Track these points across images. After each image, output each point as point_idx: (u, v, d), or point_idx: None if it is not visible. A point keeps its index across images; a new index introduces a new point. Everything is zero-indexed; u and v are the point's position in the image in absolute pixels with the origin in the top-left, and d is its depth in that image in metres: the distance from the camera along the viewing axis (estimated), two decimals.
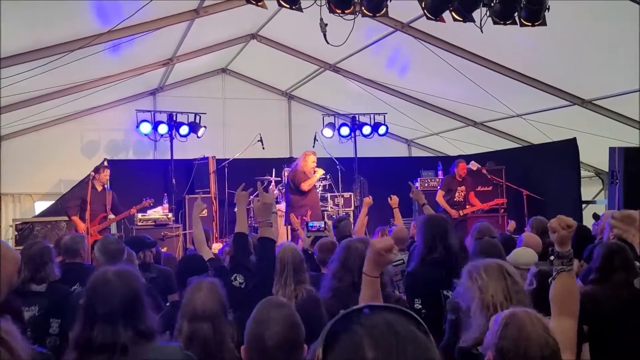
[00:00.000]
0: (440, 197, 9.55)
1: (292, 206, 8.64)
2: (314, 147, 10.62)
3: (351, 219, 8.28)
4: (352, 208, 10.32)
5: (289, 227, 8.72)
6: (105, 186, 8.82)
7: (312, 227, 5.87)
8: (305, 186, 8.68)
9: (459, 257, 3.82)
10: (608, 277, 3.53)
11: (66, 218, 9.04)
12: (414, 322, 1.03)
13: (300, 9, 5.68)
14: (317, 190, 9.13)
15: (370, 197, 6.81)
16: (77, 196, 8.71)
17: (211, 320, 2.70)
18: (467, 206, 9.57)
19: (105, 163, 9.88)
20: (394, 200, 6.30)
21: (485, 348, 2.05)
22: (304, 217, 7.82)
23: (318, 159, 10.76)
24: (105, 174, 8.65)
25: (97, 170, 8.65)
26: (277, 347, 2.02)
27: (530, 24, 5.73)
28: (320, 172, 8.92)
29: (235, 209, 4.00)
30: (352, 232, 6.13)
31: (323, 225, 5.92)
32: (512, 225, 7.74)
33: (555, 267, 2.37)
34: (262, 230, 3.31)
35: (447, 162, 10.30)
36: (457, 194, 9.53)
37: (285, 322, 2.07)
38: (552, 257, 2.43)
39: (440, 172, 11.25)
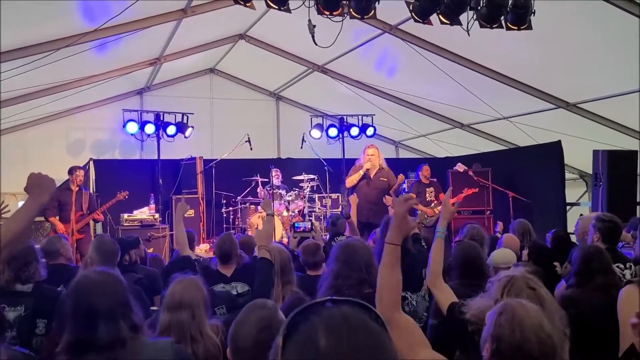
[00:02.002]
0: None
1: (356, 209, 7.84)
2: (301, 148, 10.64)
3: None
4: (340, 209, 10.34)
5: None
6: (82, 187, 8.68)
7: (297, 227, 5.87)
8: (347, 182, 8.35)
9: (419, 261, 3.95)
10: (587, 280, 3.58)
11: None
12: (371, 315, 1.09)
13: (288, 10, 5.70)
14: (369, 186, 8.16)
15: (355, 195, 6.81)
16: (54, 198, 8.59)
17: (190, 309, 2.77)
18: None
19: (92, 163, 9.84)
20: (388, 200, 6.34)
21: (483, 341, 2.06)
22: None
23: (305, 160, 10.84)
24: (77, 175, 8.41)
25: (70, 172, 8.51)
26: (247, 348, 2.04)
27: (516, 27, 5.80)
28: (367, 165, 8.13)
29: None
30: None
31: (309, 226, 5.91)
32: (500, 226, 7.85)
33: None
34: (262, 253, 3.51)
35: (434, 164, 10.38)
36: (427, 195, 9.78)
37: (258, 324, 2.09)
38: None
39: None
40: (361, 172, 8.13)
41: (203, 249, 9.04)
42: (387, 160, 12.87)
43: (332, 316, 1.05)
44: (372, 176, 8.20)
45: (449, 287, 3.19)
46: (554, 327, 2.01)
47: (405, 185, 11.00)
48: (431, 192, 9.84)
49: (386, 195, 6.31)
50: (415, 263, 4.25)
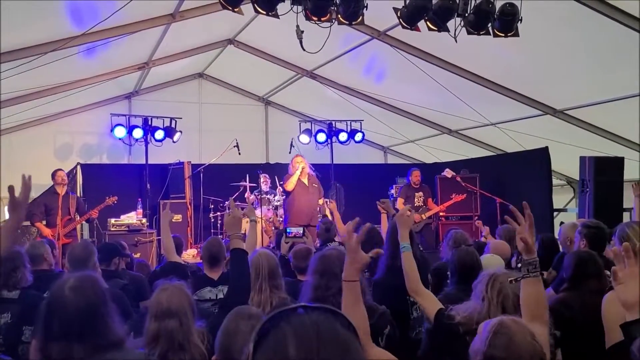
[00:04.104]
0: (400, 204, 9.83)
1: (289, 213, 8.76)
2: (290, 153, 10.63)
3: None
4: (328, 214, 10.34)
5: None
6: (69, 190, 8.61)
7: (290, 233, 5.85)
8: (287, 186, 8.78)
9: (421, 264, 3.90)
10: (580, 284, 3.61)
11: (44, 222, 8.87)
12: (342, 322, 1.09)
13: (276, 16, 5.69)
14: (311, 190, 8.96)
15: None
16: (40, 202, 8.53)
17: (178, 317, 2.72)
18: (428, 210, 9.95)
19: (79, 168, 9.79)
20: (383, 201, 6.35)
21: (473, 353, 2.07)
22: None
23: None
24: (60, 176, 8.36)
25: (52, 176, 8.43)
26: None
27: (503, 34, 5.83)
28: (302, 164, 8.79)
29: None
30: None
31: (302, 232, 5.91)
32: (487, 230, 7.85)
33: (522, 274, 2.44)
34: (233, 242, 3.35)
35: (422, 170, 10.42)
36: (415, 200, 9.89)
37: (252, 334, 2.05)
38: (519, 264, 2.51)
39: None
40: (298, 173, 8.73)
41: (190, 254, 9.01)
42: (376, 165, 13.06)
43: (302, 324, 1.05)
44: (307, 183, 8.78)
45: (429, 292, 3.22)
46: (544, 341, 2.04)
47: (393, 191, 11.05)
48: (420, 197, 9.92)
49: (382, 199, 6.38)
50: (419, 267, 4.26)
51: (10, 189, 2.63)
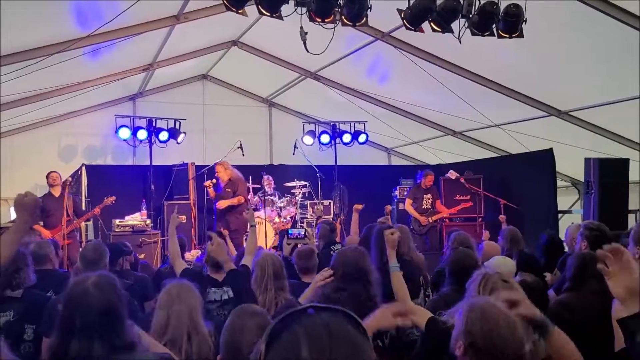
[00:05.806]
0: (408, 205, 9.82)
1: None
2: (294, 154, 10.65)
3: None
4: (332, 215, 10.35)
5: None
6: (66, 192, 8.59)
7: (291, 234, 5.84)
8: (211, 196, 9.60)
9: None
10: (582, 285, 3.60)
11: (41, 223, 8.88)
12: (353, 323, 1.09)
13: (280, 17, 5.69)
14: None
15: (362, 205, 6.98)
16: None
17: (187, 308, 2.78)
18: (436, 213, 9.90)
19: (84, 169, 9.81)
20: (388, 210, 6.43)
21: (454, 339, 2.14)
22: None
23: (297, 166, 10.87)
24: (51, 177, 8.40)
25: (46, 177, 8.47)
26: (248, 354, 2.01)
27: (507, 35, 5.82)
28: (207, 182, 9.59)
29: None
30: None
31: (303, 233, 5.89)
32: (486, 234, 7.82)
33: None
34: (226, 266, 3.66)
35: None
36: (423, 202, 9.86)
37: (259, 332, 2.06)
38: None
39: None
40: (209, 188, 9.58)
41: (195, 255, 9.00)
42: (379, 167, 13.04)
43: (314, 325, 1.05)
44: (222, 189, 9.46)
45: (419, 306, 3.27)
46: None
47: (397, 192, 11.04)
48: (428, 200, 9.86)
49: (387, 206, 6.54)
50: (413, 270, 4.29)
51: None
